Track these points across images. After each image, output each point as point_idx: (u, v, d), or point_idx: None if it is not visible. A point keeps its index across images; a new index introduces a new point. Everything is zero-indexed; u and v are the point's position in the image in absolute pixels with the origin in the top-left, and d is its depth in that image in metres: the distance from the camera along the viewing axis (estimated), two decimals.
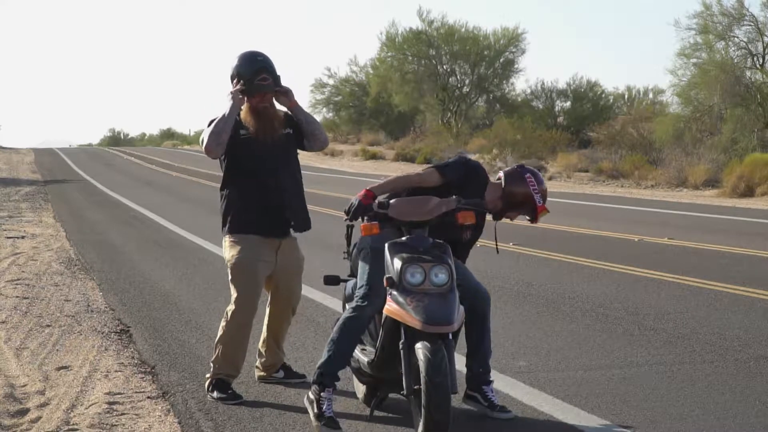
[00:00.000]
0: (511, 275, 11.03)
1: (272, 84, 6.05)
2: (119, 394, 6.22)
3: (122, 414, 5.80)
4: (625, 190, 28.33)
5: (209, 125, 6.09)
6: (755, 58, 33.86)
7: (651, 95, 50.54)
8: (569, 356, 7.13)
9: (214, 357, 6.19)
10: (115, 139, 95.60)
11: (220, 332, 6.19)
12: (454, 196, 5.39)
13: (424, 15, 51.80)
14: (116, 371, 6.81)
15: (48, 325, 8.41)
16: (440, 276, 4.99)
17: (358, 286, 5.36)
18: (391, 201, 5.27)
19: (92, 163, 48.70)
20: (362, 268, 5.36)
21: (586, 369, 6.75)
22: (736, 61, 33.63)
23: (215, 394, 6.05)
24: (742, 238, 14.52)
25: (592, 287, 10.15)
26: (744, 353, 7.21)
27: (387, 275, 5.09)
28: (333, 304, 9.03)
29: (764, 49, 33.72)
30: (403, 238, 5.21)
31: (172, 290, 10.29)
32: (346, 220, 5.38)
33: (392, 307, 5.00)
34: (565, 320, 8.49)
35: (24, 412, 5.91)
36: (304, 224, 6.27)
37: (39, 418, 5.76)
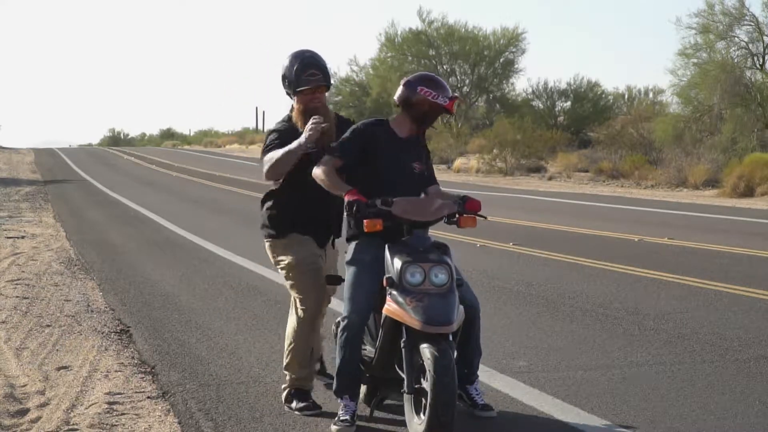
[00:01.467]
0: (511, 275, 11.03)
1: (321, 78, 5.77)
2: (119, 394, 6.22)
3: (122, 414, 5.80)
4: (625, 190, 28.33)
5: (270, 144, 5.74)
6: (755, 58, 33.84)
7: (651, 95, 50.56)
8: (569, 356, 7.13)
9: (286, 364, 5.90)
10: (115, 139, 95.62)
11: (290, 339, 5.90)
12: (452, 201, 5.41)
13: (424, 15, 51.83)
14: (116, 371, 6.81)
15: (48, 325, 8.41)
16: (440, 276, 5.00)
17: (343, 297, 5.42)
18: (395, 199, 5.25)
19: (92, 163, 48.70)
20: (346, 279, 5.44)
21: (586, 369, 6.75)
22: (736, 61, 33.62)
23: (294, 404, 5.82)
24: (742, 238, 14.52)
25: (592, 287, 10.14)
26: (744, 353, 7.21)
27: (387, 275, 5.10)
28: (334, 303, 9.02)
29: (764, 49, 33.69)
30: (404, 239, 5.19)
31: (172, 290, 10.29)
32: (349, 215, 5.31)
33: (392, 307, 5.00)
34: (565, 320, 8.48)
35: (24, 412, 5.91)
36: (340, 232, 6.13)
37: (39, 418, 5.76)
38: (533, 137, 37.68)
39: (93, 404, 5.98)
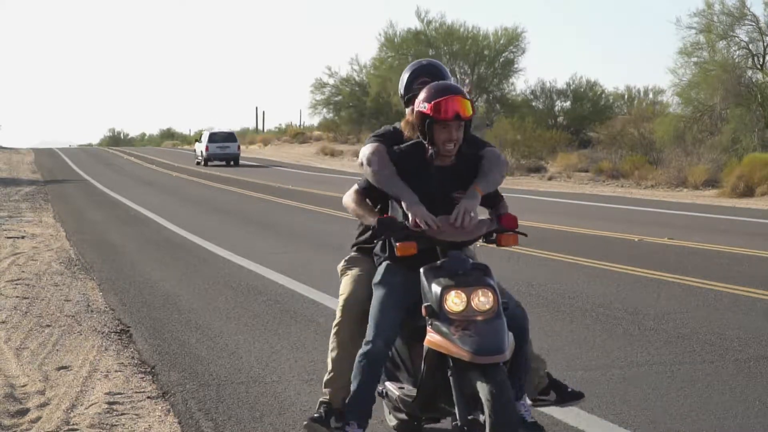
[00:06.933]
0: (511, 275, 11.02)
1: None
2: (119, 394, 6.22)
3: (122, 414, 5.80)
4: (625, 190, 28.32)
5: (370, 142, 5.19)
6: (756, 58, 33.86)
7: (651, 95, 50.58)
8: (569, 356, 7.13)
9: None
10: (115, 139, 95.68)
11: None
12: (489, 217, 4.90)
13: (423, 15, 51.87)
14: (116, 371, 6.81)
15: (48, 325, 8.41)
16: (484, 300, 4.51)
17: (369, 322, 4.96)
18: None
19: (92, 163, 48.69)
20: (372, 302, 4.95)
21: (586, 369, 6.74)
22: (737, 60, 33.62)
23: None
24: (741, 238, 14.52)
25: (592, 287, 10.14)
26: (744, 353, 7.21)
27: (425, 303, 4.60)
28: (333, 304, 9.01)
29: (765, 49, 33.72)
30: (439, 262, 4.68)
31: (172, 290, 10.29)
32: (375, 240, 4.91)
33: (434, 338, 4.49)
34: (565, 320, 8.48)
35: (24, 412, 5.91)
36: None
37: (39, 418, 5.76)
38: (533, 137, 37.68)
39: (93, 404, 5.98)
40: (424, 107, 4.73)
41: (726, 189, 25.03)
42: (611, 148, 34.80)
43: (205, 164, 45.83)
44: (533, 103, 50.01)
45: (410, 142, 4.95)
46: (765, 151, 28.50)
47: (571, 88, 49.46)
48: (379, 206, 5.04)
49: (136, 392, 6.27)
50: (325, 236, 15.32)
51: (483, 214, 4.94)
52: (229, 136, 47.41)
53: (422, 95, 4.79)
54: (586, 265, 11.78)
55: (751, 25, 33.66)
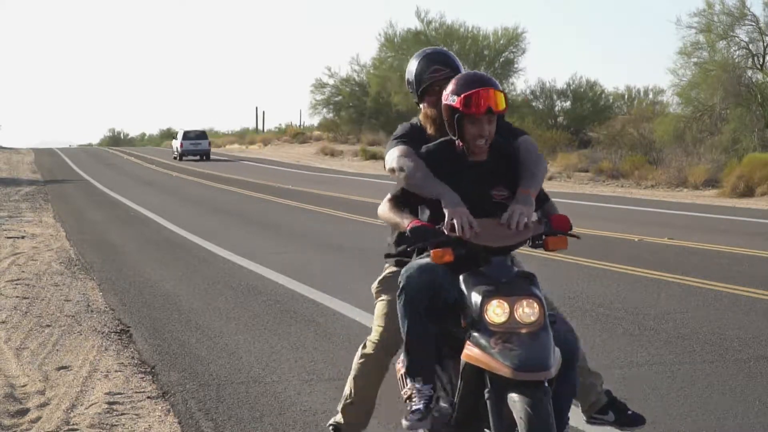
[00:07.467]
0: None
1: (449, 72, 4.74)
2: (119, 394, 6.22)
3: (122, 414, 5.80)
4: (625, 190, 28.32)
5: (396, 144, 4.71)
6: (756, 58, 33.87)
7: (651, 95, 50.60)
8: None
9: None
10: (115, 139, 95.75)
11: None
12: (537, 218, 4.50)
13: (423, 15, 51.91)
14: (116, 371, 6.81)
15: (48, 325, 8.40)
16: (528, 311, 4.08)
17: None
18: None
19: (92, 163, 48.71)
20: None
21: None
22: (737, 60, 33.64)
23: None
24: (742, 238, 14.52)
25: (592, 287, 10.14)
26: (744, 353, 7.21)
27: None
28: (333, 304, 9.04)
29: (765, 49, 33.73)
30: (481, 268, 4.28)
31: (172, 290, 10.29)
32: (408, 248, 4.44)
33: (473, 351, 4.06)
34: None
35: (24, 412, 5.91)
36: None
37: (39, 418, 5.76)
38: (533, 137, 37.67)
39: (93, 404, 5.98)
40: (453, 100, 4.34)
41: (726, 189, 25.02)
42: (611, 148, 34.80)
43: (180, 159, 51.27)
44: (533, 103, 49.99)
45: (437, 141, 4.60)
46: (765, 151, 28.50)
47: (571, 88, 49.45)
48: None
49: (136, 392, 6.27)
50: (325, 236, 15.32)
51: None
52: (201, 134, 53.40)
53: (450, 87, 4.39)
54: (586, 265, 11.78)
55: (751, 25, 33.68)
